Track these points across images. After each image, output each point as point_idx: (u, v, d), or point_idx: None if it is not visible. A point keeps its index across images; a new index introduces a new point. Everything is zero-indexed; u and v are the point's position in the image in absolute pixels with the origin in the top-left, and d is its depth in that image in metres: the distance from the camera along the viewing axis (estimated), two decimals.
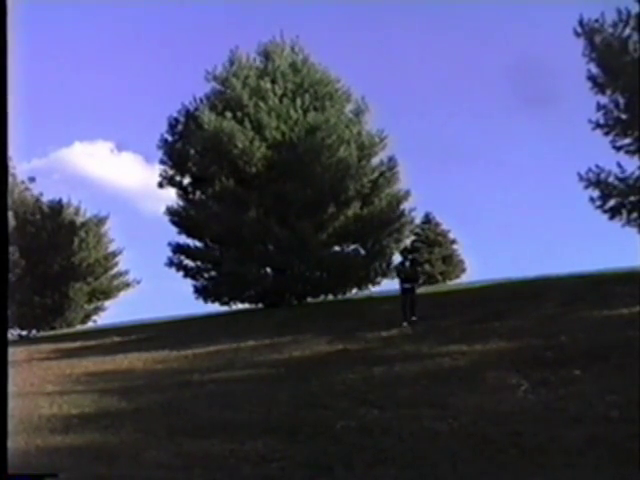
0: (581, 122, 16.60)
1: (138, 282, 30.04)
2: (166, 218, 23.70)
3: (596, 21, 15.65)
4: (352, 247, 23.61)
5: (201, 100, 23.50)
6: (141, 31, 42.72)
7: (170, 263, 23.55)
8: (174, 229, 23.77)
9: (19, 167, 27.29)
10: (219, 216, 21.64)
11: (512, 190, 46.35)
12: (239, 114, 21.76)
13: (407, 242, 25.38)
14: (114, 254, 29.75)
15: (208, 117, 21.64)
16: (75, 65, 43.79)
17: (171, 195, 24.30)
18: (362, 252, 23.44)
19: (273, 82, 22.39)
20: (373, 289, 23.92)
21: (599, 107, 16.04)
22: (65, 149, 58.82)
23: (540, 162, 43.34)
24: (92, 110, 45.47)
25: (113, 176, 47.39)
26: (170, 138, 24.10)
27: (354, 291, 23.49)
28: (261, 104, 21.69)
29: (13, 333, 25.74)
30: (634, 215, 16.22)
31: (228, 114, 21.58)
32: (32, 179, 28.57)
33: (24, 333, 26.92)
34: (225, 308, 23.82)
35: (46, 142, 45.12)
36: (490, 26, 39.06)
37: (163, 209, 23.79)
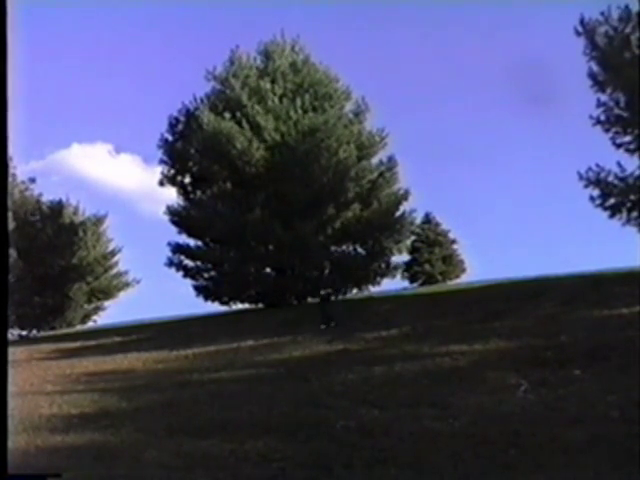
0: (581, 122, 16.65)
1: (138, 282, 30.09)
2: (165, 219, 23.73)
3: (597, 20, 15.67)
4: (352, 247, 23.64)
5: (201, 100, 23.51)
6: (140, 31, 42.65)
7: (170, 263, 23.56)
8: (173, 230, 23.81)
9: (17, 169, 27.23)
10: (220, 216, 21.65)
11: (512, 190, 46.30)
12: (238, 114, 21.75)
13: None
14: (113, 253, 29.78)
15: (207, 117, 21.63)
16: (73, 66, 43.69)
17: (170, 196, 24.34)
18: (362, 252, 23.47)
19: (273, 82, 22.39)
20: (373, 289, 23.96)
21: (599, 104, 16.06)
22: (63, 151, 58.58)
23: (540, 162, 43.28)
24: (90, 111, 45.36)
25: (111, 177, 47.27)
26: (170, 138, 24.11)
27: (354, 291, 23.50)
28: (260, 105, 21.68)
29: (13, 333, 25.75)
30: (634, 214, 16.24)
31: (227, 115, 21.58)
32: (32, 180, 28.61)
33: (24, 333, 26.92)
34: (225, 308, 23.84)
35: (44, 144, 44.91)
36: (490, 25, 39.01)
37: (162, 210, 23.82)
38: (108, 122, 43.62)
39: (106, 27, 40.27)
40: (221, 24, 39.46)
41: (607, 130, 16.01)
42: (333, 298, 22.96)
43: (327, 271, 22.06)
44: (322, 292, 16.83)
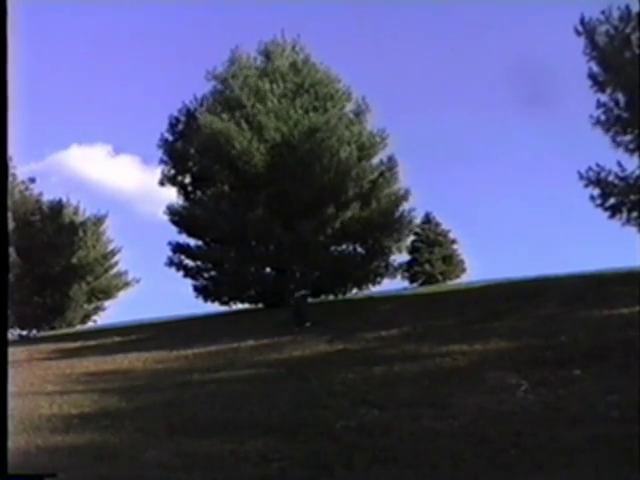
0: (581, 122, 16.63)
1: (137, 281, 30.10)
2: (164, 220, 23.75)
3: (598, 19, 15.66)
4: (352, 247, 23.64)
5: (202, 100, 23.52)
6: (140, 31, 42.61)
7: (170, 263, 23.56)
8: (172, 231, 23.82)
9: (17, 169, 27.19)
10: (221, 215, 21.65)
11: (512, 190, 46.30)
12: (237, 114, 21.75)
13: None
14: (113, 253, 29.79)
15: (206, 118, 21.62)
16: (71, 66, 43.65)
17: (169, 197, 24.36)
18: (362, 252, 23.46)
19: (272, 82, 22.37)
20: (373, 289, 23.96)
21: (599, 104, 16.04)
22: (62, 152, 58.31)
23: (540, 162, 43.25)
24: (89, 112, 45.30)
25: (110, 178, 47.13)
26: (170, 137, 24.11)
27: (354, 291, 23.50)
28: (260, 105, 21.68)
29: (13, 333, 25.75)
30: (634, 214, 16.23)
31: (227, 115, 21.57)
32: (32, 180, 28.60)
33: (24, 333, 26.92)
34: (225, 308, 23.84)
35: (43, 145, 44.67)
36: (490, 26, 39.02)
37: (161, 211, 23.85)
38: (107, 123, 43.62)
39: (105, 27, 40.27)
40: (221, 24, 39.48)
41: (607, 130, 15.99)
42: (333, 298, 23.02)
43: (327, 271, 22.00)
44: (296, 294, 17.00)
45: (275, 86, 22.27)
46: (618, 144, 15.99)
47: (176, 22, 39.51)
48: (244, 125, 21.42)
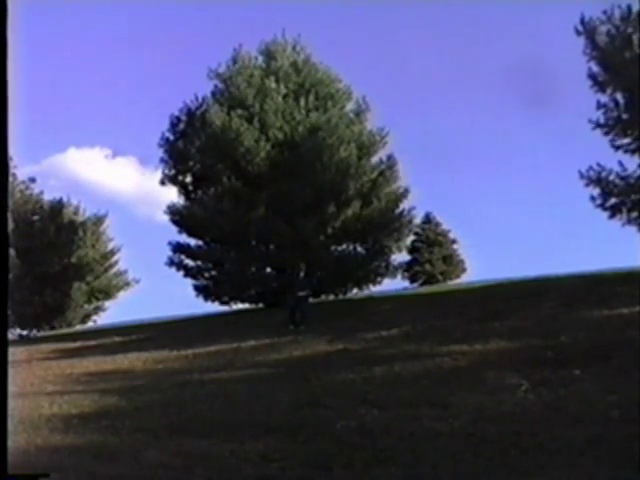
0: (582, 122, 16.63)
1: (137, 281, 30.11)
2: (164, 221, 23.75)
3: (599, 19, 15.66)
4: (352, 247, 23.64)
5: (203, 99, 23.53)
6: (139, 32, 42.65)
7: (170, 263, 23.56)
8: (170, 233, 23.83)
9: (18, 169, 27.18)
10: (223, 214, 21.64)
11: (512, 190, 46.36)
12: (239, 113, 21.74)
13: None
14: (113, 252, 29.80)
15: (216, 115, 21.61)
16: (70, 68, 43.66)
17: (167, 198, 24.38)
18: (362, 252, 23.46)
19: (277, 82, 22.40)
20: (373, 289, 23.97)
21: (599, 105, 16.05)
22: (60, 154, 58.10)
23: (540, 162, 43.30)
24: (87, 114, 45.30)
25: (108, 181, 47.02)
26: (172, 137, 24.10)
27: (354, 291, 23.50)
28: (266, 104, 21.70)
29: (13, 333, 25.76)
30: (634, 214, 16.23)
31: (231, 114, 21.58)
32: (33, 179, 28.62)
33: (24, 333, 26.93)
34: (225, 308, 23.84)
35: (41, 148, 44.68)
36: (490, 26, 39.08)
37: (158, 212, 23.93)
38: (104, 125, 43.65)
39: (105, 28, 40.28)
40: (220, 24, 39.51)
41: (607, 133, 15.98)
42: (334, 298, 23.03)
43: (327, 271, 21.95)
44: (294, 295, 17.13)
45: (279, 85, 22.30)
46: (617, 147, 16.00)
47: (174, 23, 39.53)
48: (246, 124, 21.45)
